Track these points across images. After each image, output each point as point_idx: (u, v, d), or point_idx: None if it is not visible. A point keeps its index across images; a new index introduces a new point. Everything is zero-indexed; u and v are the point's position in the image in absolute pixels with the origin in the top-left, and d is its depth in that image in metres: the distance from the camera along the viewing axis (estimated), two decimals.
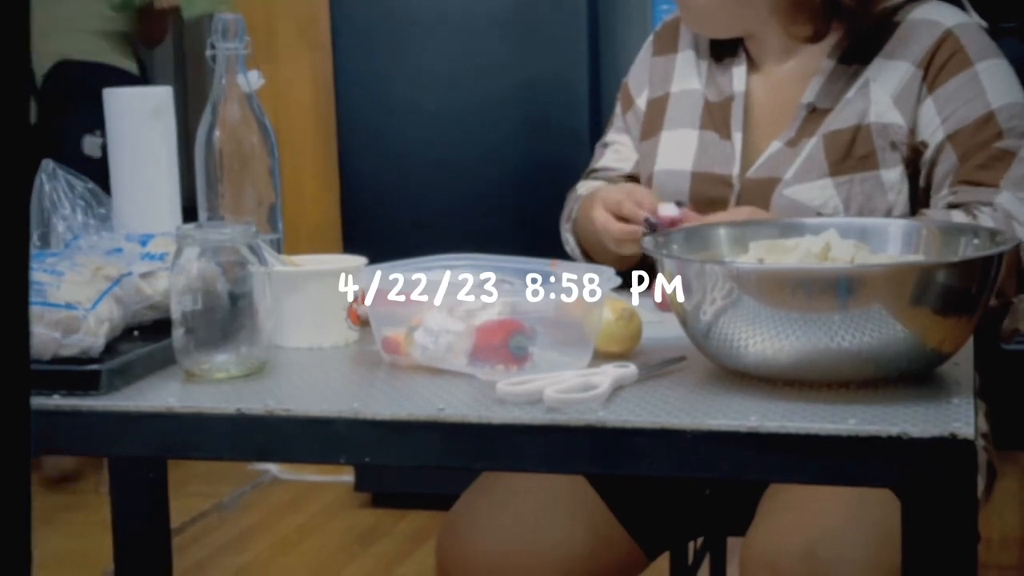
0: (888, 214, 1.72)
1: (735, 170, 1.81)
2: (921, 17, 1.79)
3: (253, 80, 1.63)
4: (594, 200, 1.79)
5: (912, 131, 1.75)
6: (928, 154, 1.75)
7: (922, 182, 1.76)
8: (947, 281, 1.22)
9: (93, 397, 1.30)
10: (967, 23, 1.78)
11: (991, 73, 1.75)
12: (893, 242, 1.44)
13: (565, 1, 3.29)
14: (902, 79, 1.76)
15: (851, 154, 1.75)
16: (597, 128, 3.10)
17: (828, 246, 1.34)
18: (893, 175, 1.74)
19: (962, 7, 1.82)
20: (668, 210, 1.69)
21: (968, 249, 1.36)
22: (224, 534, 3.46)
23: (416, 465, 1.28)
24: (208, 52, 1.63)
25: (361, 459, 1.26)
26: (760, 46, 1.86)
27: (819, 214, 1.72)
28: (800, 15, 1.81)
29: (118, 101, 1.68)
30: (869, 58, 1.79)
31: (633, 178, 1.95)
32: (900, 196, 1.74)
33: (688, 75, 1.91)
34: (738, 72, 1.86)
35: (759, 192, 1.76)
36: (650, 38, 2.01)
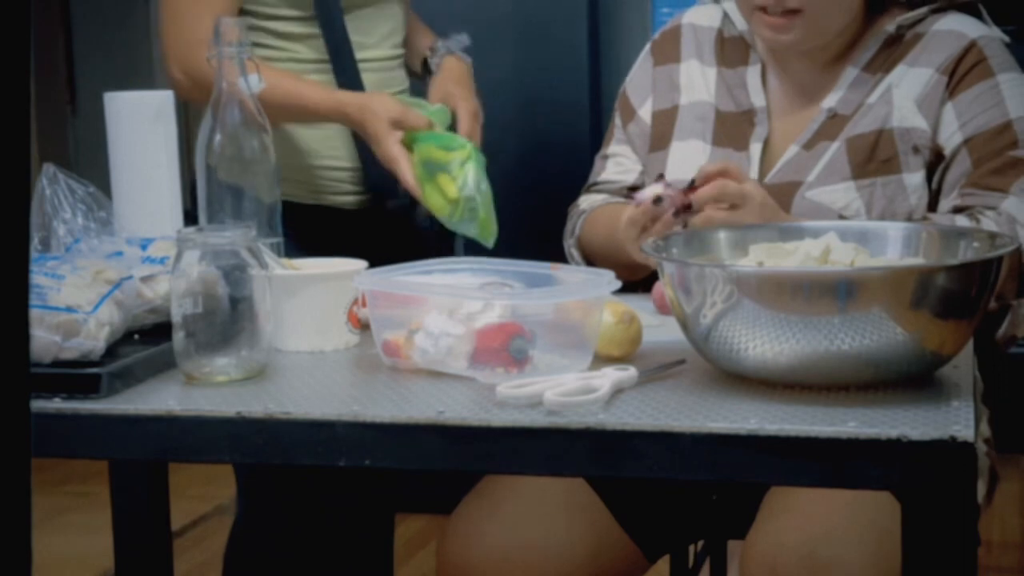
0: (909, 217, 1.73)
1: (753, 177, 1.80)
2: (946, 28, 1.80)
3: (253, 83, 1.63)
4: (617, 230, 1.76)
5: (934, 135, 1.76)
6: (944, 158, 1.76)
7: (934, 185, 1.76)
8: (946, 284, 1.22)
9: (93, 400, 1.30)
10: (991, 36, 1.79)
11: (1012, 85, 1.76)
12: (893, 245, 1.44)
13: (565, 3, 3.29)
14: (926, 84, 1.77)
15: (874, 157, 1.75)
16: (598, 131, 3.10)
17: (828, 249, 1.34)
18: (915, 179, 1.74)
19: (983, 20, 1.83)
20: (653, 188, 1.66)
21: (968, 252, 1.36)
22: (224, 537, 3.45)
23: (416, 468, 1.27)
24: (208, 55, 1.63)
25: (361, 462, 1.26)
26: (787, 54, 1.85)
27: (841, 216, 1.72)
28: (863, 42, 1.82)
29: (119, 105, 1.68)
30: (892, 66, 1.79)
31: (636, 190, 1.93)
32: (922, 200, 1.75)
33: (696, 86, 1.90)
34: (754, 82, 1.85)
35: (779, 196, 1.75)
36: (647, 47, 1.99)
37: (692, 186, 1.63)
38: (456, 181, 1.82)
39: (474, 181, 1.82)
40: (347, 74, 2.03)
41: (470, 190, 1.82)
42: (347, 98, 1.95)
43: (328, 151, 2.05)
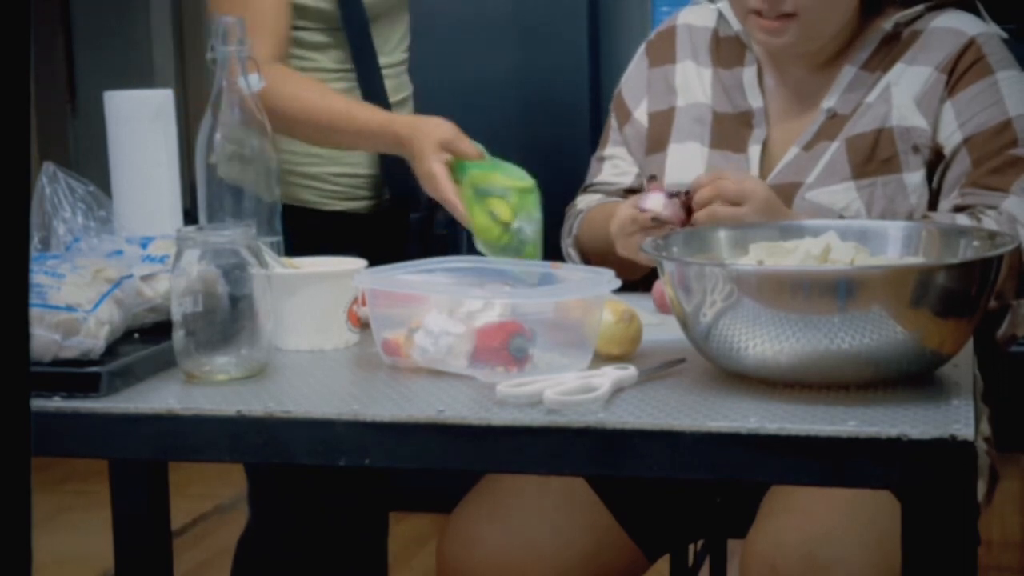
0: (910, 217, 1.72)
1: None
2: (944, 25, 1.79)
3: (253, 83, 1.63)
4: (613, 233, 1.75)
5: (934, 134, 1.75)
6: (944, 158, 1.75)
7: (934, 184, 1.76)
8: (946, 283, 1.22)
9: (93, 399, 1.30)
10: (990, 33, 1.79)
11: (1011, 83, 1.76)
12: (893, 244, 1.44)
13: (565, 3, 3.29)
14: (925, 83, 1.76)
15: (874, 157, 1.75)
16: (597, 132, 3.09)
17: (828, 248, 1.34)
18: (916, 178, 1.74)
19: (980, 16, 1.83)
20: (655, 203, 1.66)
21: (968, 251, 1.36)
22: (225, 536, 3.45)
23: (416, 467, 1.27)
24: (208, 55, 1.63)
25: (361, 461, 1.26)
26: (783, 55, 1.84)
27: (841, 217, 1.72)
28: (860, 41, 1.82)
29: (119, 104, 1.68)
30: (890, 65, 1.79)
31: (633, 191, 1.93)
32: (922, 199, 1.74)
33: (692, 88, 1.89)
34: (750, 83, 1.85)
35: (780, 197, 1.75)
36: (642, 48, 1.98)
37: (689, 199, 1.64)
38: (512, 206, 1.76)
39: (534, 214, 1.76)
40: (371, 82, 2.04)
41: (529, 221, 1.75)
42: (398, 117, 1.93)
43: (349, 156, 2.05)
